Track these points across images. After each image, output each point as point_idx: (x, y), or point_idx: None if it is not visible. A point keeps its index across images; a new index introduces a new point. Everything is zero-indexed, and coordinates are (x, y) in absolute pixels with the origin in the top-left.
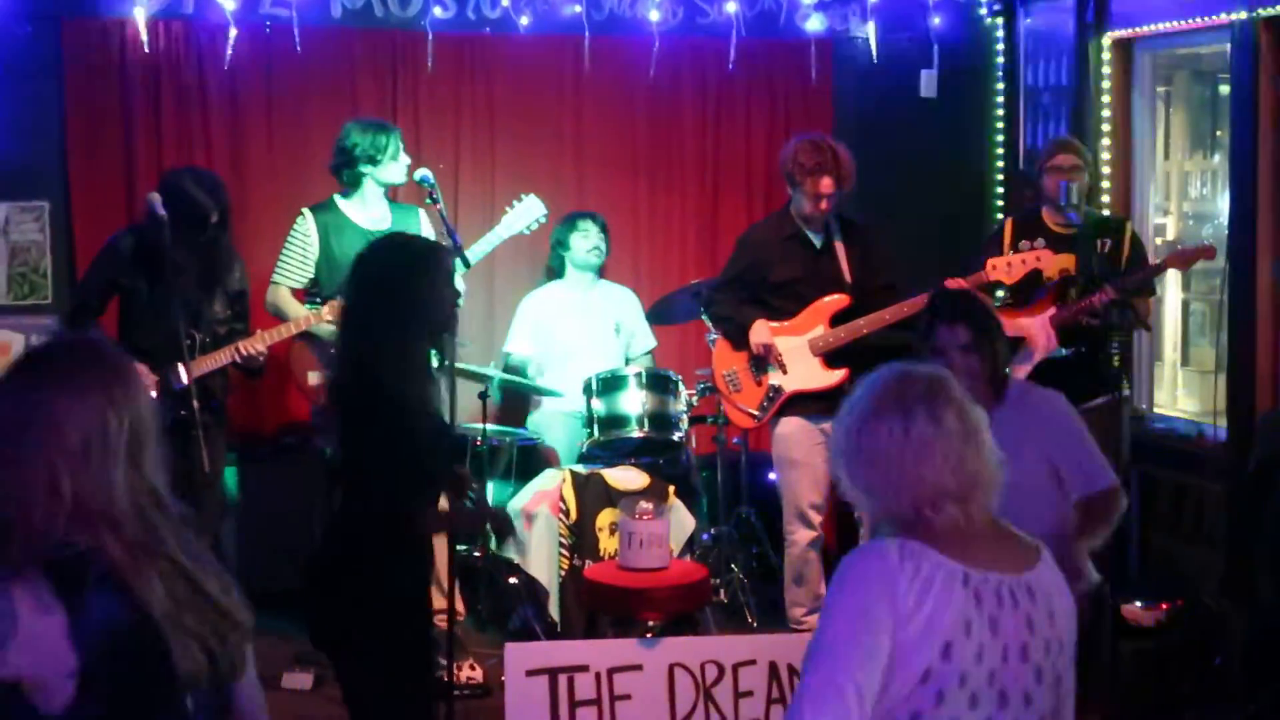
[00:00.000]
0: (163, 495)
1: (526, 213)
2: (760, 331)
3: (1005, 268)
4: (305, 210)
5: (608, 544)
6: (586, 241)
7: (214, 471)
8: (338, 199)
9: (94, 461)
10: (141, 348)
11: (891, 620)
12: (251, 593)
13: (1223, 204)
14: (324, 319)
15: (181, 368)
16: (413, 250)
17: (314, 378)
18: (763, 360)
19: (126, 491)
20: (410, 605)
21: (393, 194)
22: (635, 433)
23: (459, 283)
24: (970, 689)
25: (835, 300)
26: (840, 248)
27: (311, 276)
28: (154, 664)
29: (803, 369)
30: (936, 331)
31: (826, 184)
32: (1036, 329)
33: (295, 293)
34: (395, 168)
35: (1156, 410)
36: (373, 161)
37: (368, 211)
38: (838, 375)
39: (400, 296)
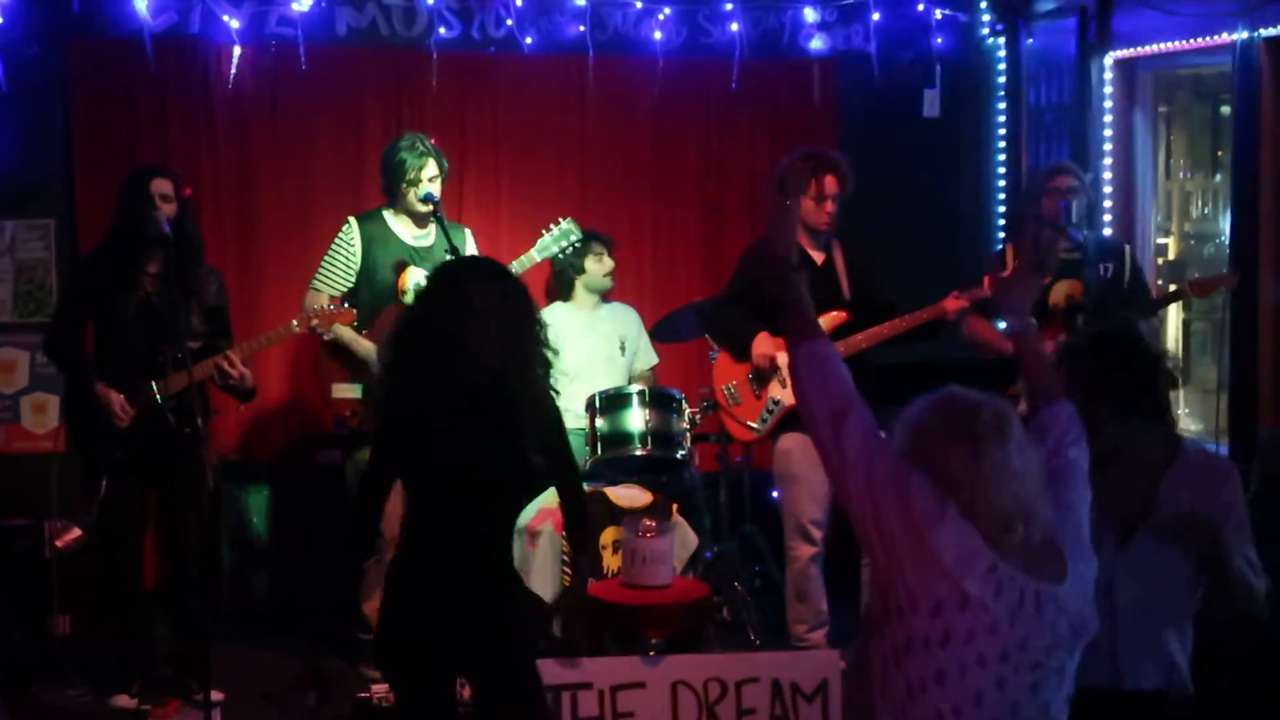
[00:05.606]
0: None
1: (564, 235)
2: (763, 343)
3: None
4: (351, 219)
5: (611, 561)
6: (602, 266)
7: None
8: (384, 211)
9: None
10: (116, 363)
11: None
12: (262, 611)
13: (1224, 224)
14: (296, 331)
15: (155, 384)
16: (450, 273)
17: (340, 390)
18: (764, 373)
19: None
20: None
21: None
22: (638, 451)
23: None
24: (977, 648)
25: (834, 316)
26: (840, 264)
27: (351, 285)
28: None
29: None
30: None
31: (830, 182)
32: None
33: (332, 300)
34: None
35: None
36: (401, 177)
37: (412, 226)
38: None
39: (436, 319)
